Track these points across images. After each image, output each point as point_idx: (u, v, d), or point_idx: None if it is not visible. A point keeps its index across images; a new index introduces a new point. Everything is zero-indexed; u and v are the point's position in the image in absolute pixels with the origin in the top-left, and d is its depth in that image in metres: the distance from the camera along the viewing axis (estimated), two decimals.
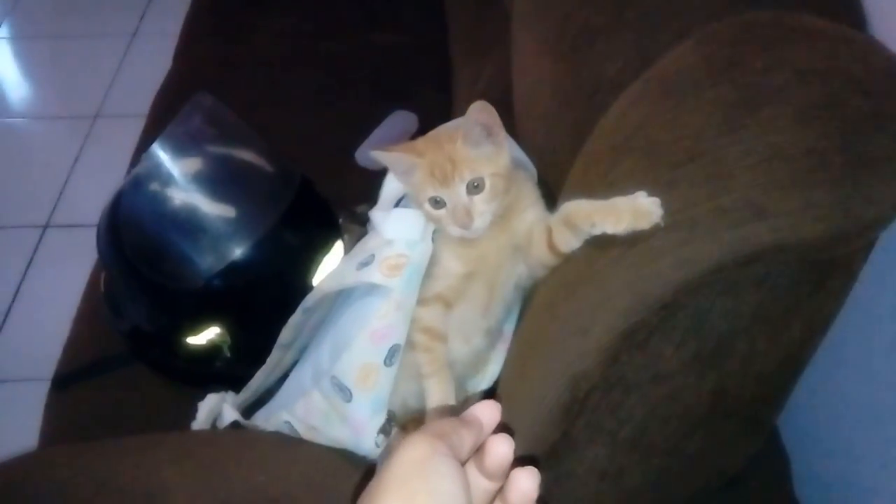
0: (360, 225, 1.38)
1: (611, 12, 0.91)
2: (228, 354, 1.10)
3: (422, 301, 0.86)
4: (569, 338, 0.69)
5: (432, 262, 0.86)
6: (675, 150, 0.69)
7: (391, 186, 0.92)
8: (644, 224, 0.67)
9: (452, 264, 0.86)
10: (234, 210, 1.05)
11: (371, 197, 1.49)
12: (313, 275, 1.11)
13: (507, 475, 0.43)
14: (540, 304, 0.80)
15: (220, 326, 1.08)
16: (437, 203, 0.82)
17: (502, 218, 0.84)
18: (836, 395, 0.89)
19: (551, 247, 0.77)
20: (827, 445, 0.91)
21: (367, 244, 0.90)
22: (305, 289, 1.09)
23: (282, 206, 1.08)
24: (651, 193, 0.67)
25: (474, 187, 0.80)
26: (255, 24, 1.87)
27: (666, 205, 0.66)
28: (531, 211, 0.85)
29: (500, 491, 0.43)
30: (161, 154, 1.03)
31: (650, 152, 0.71)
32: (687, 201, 0.65)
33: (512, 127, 1.17)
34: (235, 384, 1.09)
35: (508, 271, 0.86)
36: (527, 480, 0.42)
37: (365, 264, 0.86)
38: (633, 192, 0.69)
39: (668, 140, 0.70)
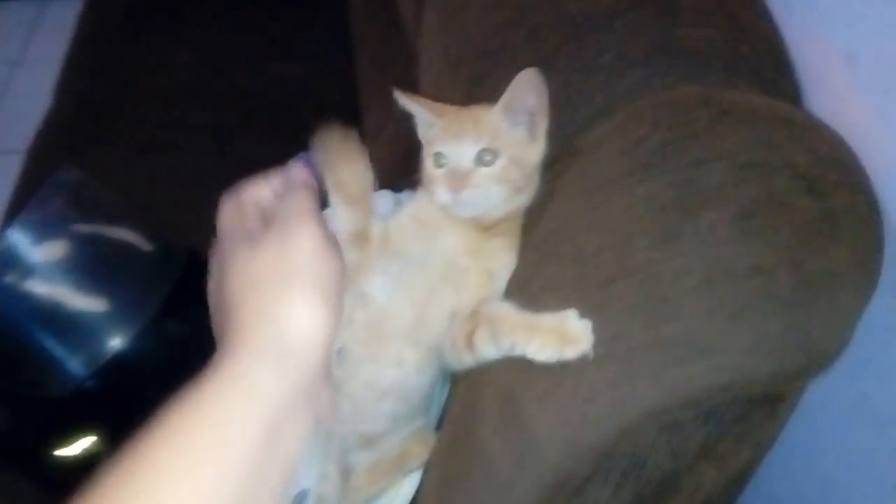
0: None
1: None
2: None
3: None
4: (491, 489, 0.59)
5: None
6: (605, 261, 0.59)
7: None
8: (571, 353, 0.57)
9: (409, 208, 0.75)
10: (108, 301, 0.91)
11: None
12: (205, 363, 0.98)
13: None
14: (461, 438, 0.69)
15: (96, 435, 0.94)
16: (439, 161, 0.70)
17: (480, 243, 0.71)
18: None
19: (469, 338, 0.65)
20: None
21: None
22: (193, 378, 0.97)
23: (164, 290, 0.95)
24: (581, 314, 0.58)
25: (485, 159, 0.68)
26: (144, 55, 1.71)
27: (598, 331, 0.56)
28: (494, 277, 0.71)
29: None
30: (17, 241, 0.88)
31: (576, 260, 0.61)
32: (621, 329, 0.56)
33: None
34: None
35: (447, 295, 0.71)
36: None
37: None
38: (559, 309, 0.59)
39: (596, 246, 0.61)
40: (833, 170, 0.61)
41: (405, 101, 0.73)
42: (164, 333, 0.94)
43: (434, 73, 1.03)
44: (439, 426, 0.77)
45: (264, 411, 0.44)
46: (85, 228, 0.94)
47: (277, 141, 1.51)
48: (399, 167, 1.29)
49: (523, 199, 0.72)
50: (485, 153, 0.68)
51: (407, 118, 1.31)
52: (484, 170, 0.68)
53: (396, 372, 0.71)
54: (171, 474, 0.41)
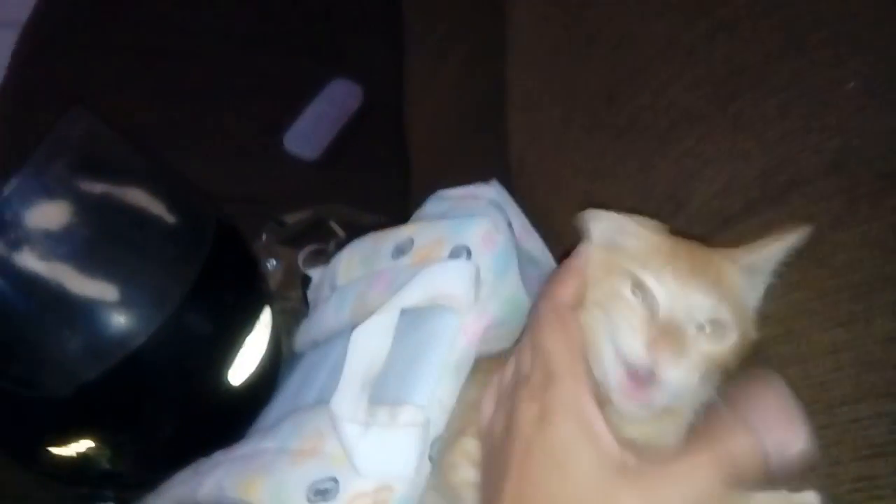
0: (290, 245, 1.08)
1: None
2: (108, 467, 0.80)
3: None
4: None
5: None
6: None
7: (363, 356, 0.58)
8: None
9: None
10: (122, 287, 0.73)
11: (305, 197, 1.18)
12: (232, 360, 0.80)
13: None
14: None
15: (94, 440, 0.77)
16: (633, 298, 0.45)
17: None
18: None
19: None
20: None
21: (322, 440, 0.58)
22: (219, 379, 0.80)
23: (190, 277, 0.76)
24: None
25: (713, 326, 0.44)
26: None
27: None
28: None
29: None
30: (10, 206, 0.68)
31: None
32: None
33: (500, 141, 0.89)
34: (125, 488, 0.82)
35: None
36: None
37: (322, 493, 0.55)
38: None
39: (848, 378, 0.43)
40: None
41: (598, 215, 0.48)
42: (185, 330, 0.76)
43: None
44: None
45: None
46: (94, 190, 0.74)
47: (302, 68, 1.31)
48: (469, 119, 1.09)
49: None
50: (716, 319, 0.44)
51: (487, 48, 1.10)
52: (709, 346, 0.44)
53: None
54: None
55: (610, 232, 0.48)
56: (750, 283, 0.46)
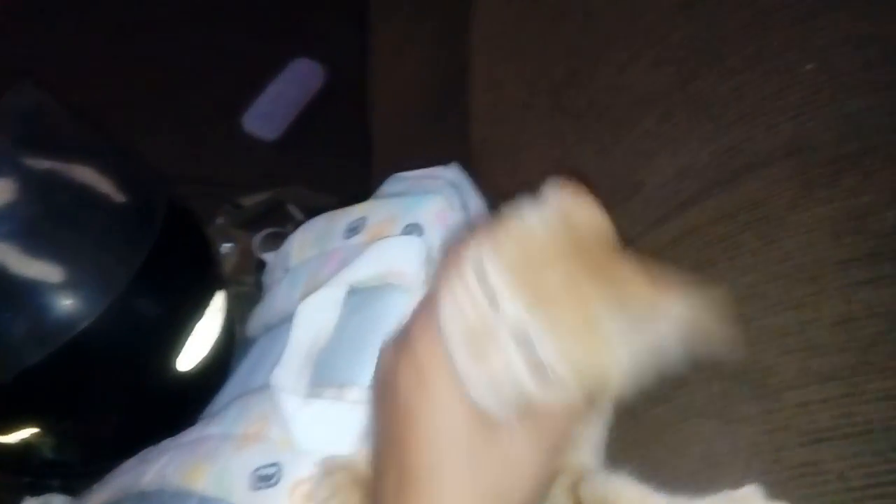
0: (247, 228, 1.05)
1: None
2: (53, 455, 0.78)
3: None
4: None
5: None
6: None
7: (308, 330, 0.58)
8: None
9: None
10: (66, 269, 0.70)
11: (263, 179, 1.16)
12: (182, 346, 0.78)
13: None
14: None
15: (38, 427, 0.75)
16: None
17: None
18: None
19: None
20: None
21: (267, 425, 0.57)
22: (167, 365, 0.78)
23: (138, 258, 0.74)
24: (772, 489, 0.40)
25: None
26: None
27: None
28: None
29: None
30: None
31: (762, 387, 0.43)
32: None
33: (465, 123, 0.87)
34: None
35: None
36: None
37: (265, 479, 0.54)
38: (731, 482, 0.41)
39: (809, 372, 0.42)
40: None
41: None
42: (132, 314, 0.74)
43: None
44: None
45: None
46: (40, 167, 0.71)
47: (261, 46, 1.28)
48: (433, 100, 1.07)
49: None
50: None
51: (454, 27, 1.07)
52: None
53: None
54: None
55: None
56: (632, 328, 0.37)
